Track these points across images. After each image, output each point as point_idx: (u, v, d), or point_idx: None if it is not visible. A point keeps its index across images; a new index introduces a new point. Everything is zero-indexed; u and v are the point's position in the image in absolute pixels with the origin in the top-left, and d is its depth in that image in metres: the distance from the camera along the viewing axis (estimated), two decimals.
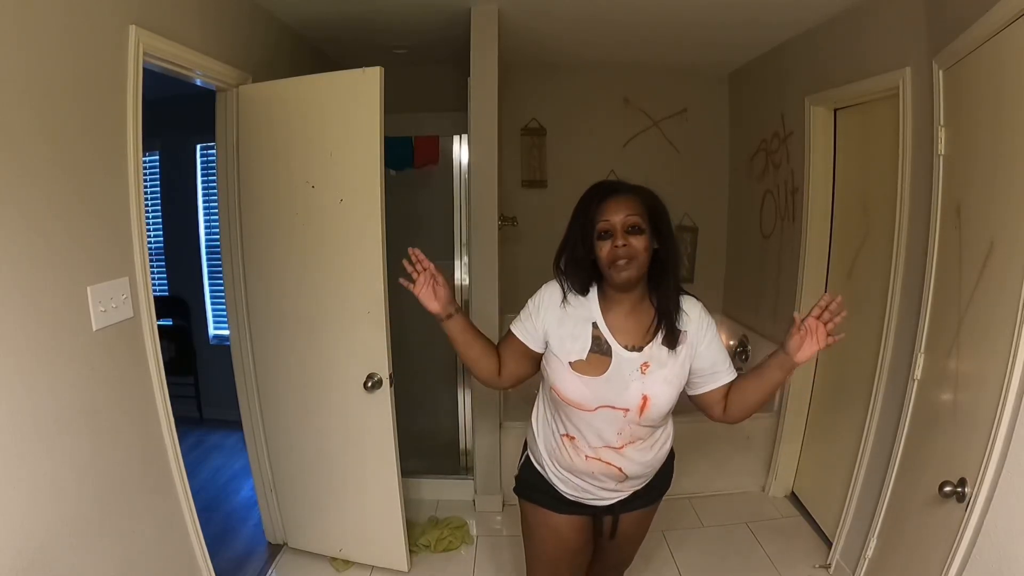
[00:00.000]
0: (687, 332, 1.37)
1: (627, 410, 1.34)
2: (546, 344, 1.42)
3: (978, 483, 1.35)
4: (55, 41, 1.30)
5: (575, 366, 1.35)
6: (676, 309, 1.37)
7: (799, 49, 2.78)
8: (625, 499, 1.49)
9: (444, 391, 3.32)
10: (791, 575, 2.37)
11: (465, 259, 3.01)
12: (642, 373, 1.34)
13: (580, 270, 1.37)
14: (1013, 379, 1.29)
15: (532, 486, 1.55)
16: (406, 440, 2.29)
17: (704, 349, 1.38)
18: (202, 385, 3.94)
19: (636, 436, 1.38)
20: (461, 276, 3.12)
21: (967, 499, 1.39)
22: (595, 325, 1.37)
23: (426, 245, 3.71)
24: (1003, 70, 1.44)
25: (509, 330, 1.47)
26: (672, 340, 1.35)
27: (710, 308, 1.46)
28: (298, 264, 2.16)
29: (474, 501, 2.89)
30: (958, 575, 1.39)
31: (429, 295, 1.41)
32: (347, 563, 2.40)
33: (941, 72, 1.76)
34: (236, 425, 2.52)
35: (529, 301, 1.46)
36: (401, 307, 2.04)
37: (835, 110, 2.60)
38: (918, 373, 1.86)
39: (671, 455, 1.54)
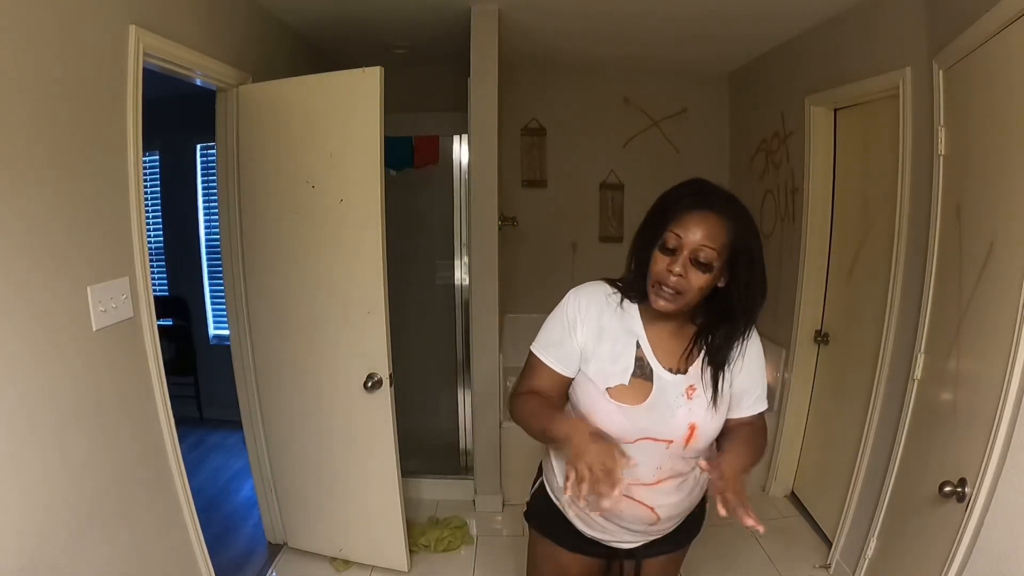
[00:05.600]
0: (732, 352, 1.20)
1: (671, 441, 1.16)
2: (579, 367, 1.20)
3: (978, 483, 1.35)
4: (54, 41, 1.30)
5: (613, 393, 1.16)
6: (727, 343, 1.18)
7: (799, 49, 2.78)
8: (650, 543, 1.31)
9: (444, 391, 3.33)
10: (791, 575, 2.37)
11: (465, 259, 3.01)
12: (688, 398, 1.16)
13: (643, 275, 1.14)
14: (1013, 379, 1.29)
15: (544, 516, 1.37)
16: (406, 440, 2.29)
17: (743, 371, 1.21)
18: (202, 385, 3.94)
19: (676, 471, 1.20)
20: (461, 276, 3.12)
21: (967, 499, 1.39)
22: (638, 344, 1.18)
23: (426, 245, 3.73)
24: (1003, 70, 1.44)
25: (538, 361, 1.21)
26: (719, 361, 1.18)
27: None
28: (298, 264, 2.15)
29: (474, 501, 2.89)
30: (958, 575, 1.39)
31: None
32: (347, 563, 2.40)
33: (941, 72, 1.76)
34: (236, 425, 2.52)
35: (555, 316, 1.21)
36: (401, 307, 2.04)
37: (835, 110, 2.60)
38: (918, 373, 1.86)
39: (704, 496, 1.34)
